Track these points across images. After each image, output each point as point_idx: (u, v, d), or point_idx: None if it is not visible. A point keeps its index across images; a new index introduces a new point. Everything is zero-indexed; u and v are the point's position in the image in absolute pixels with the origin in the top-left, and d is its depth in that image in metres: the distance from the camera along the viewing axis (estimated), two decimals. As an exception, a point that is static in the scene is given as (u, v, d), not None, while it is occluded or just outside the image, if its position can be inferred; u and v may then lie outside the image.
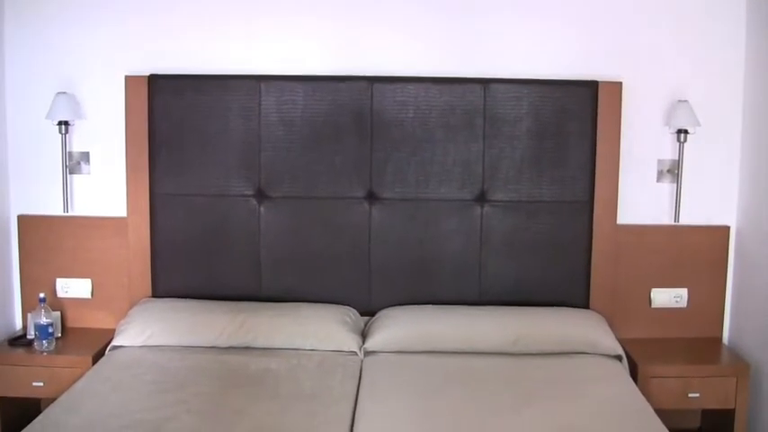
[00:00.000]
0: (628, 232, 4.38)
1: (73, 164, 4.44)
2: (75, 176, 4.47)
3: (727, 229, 4.45)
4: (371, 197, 4.33)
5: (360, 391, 3.59)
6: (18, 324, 4.55)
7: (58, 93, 4.30)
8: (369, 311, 4.36)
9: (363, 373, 3.79)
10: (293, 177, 4.33)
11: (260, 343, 4.01)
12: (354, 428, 3.21)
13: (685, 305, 4.44)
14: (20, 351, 4.19)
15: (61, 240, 4.46)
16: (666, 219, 4.43)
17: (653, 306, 4.45)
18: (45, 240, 4.46)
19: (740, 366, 4.13)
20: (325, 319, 4.13)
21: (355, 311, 4.32)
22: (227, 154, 4.33)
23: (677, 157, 4.34)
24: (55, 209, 4.45)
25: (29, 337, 4.26)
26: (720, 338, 4.48)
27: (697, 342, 4.40)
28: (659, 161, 4.41)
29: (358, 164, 4.31)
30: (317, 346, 4.00)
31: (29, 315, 4.30)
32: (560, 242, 4.34)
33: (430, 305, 4.30)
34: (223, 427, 3.18)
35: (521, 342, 3.98)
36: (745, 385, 4.07)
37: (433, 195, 4.31)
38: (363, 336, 4.14)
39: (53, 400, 3.47)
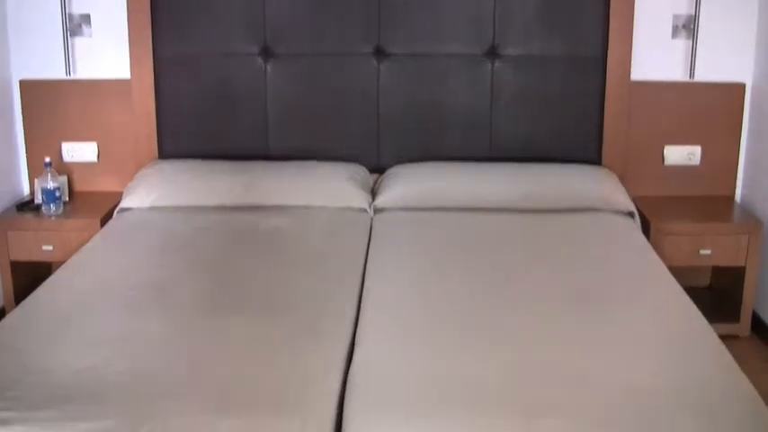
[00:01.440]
0: (641, 89, 4.29)
1: (74, 26, 4.33)
2: (76, 39, 4.37)
3: (743, 86, 4.35)
4: (379, 53, 4.24)
5: (370, 247, 3.58)
6: (25, 189, 4.53)
7: (55, -49, 4.19)
8: (378, 169, 4.32)
9: (373, 230, 3.78)
10: (299, 33, 4.23)
11: (268, 201, 3.96)
12: (365, 285, 3.20)
13: (698, 163, 4.39)
14: (28, 216, 4.19)
15: (65, 104, 4.40)
16: (681, 76, 4.34)
17: (666, 163, 4.40)
18: (48, 105, 4.40)
19: (752, 224, 4.10)
20: (334, 176, 4.10)
21: (364, 169, 4.28)
22: (231, 11, 4.22)
23: (693, 12, 4.23)
24: (57, 73, 4.38)
25: (36, 202, 4.25)
26: (733, 196, 4.44)
27: (709, 200, 4.38)
28: (675, 16, 4.29)
29: (365, 18, 4.21)
30: (327, 203, 3.96)
31: (35, 180, 4.27)
32: (572, 98, 4.27)
33: (440, 162, 4.26)
34: (232, 286, 3.16)
35: (531, 198, 3.94)
36: (756, 243, 4.05)
37: (443, 50, 4.22)
38: (373, 193, 4.11)
39: (63, 263, 3.45)
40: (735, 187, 4.45)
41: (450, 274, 3.26)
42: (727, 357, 2.62)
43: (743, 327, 4.15)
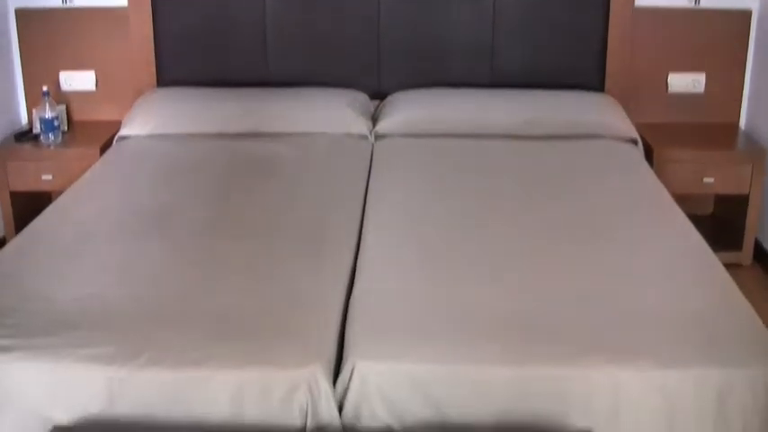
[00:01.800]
0: (646, 15, 4.23)
1: (69, -48, 4.28)
2: (71, -35, 4.31)
3: (749, 12, 4.28)
4: (381, -24, 4.20)
5: (371, 173, 3.56)
6: (23, 119, 4.50)
7: None
8: (379, 95, 4.27)
9: (374, 156, 3.75)
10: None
11: (269, 128, 3.93)
12: (366, 211, 3.19)
13: (702, 90, 4.34)
14: (27, 146, 4.17)
15: (62, 33, 4.34)
16: (686, 2, 4.26)
17: (669, 91, 4.35)
18: (45, 33, 4.35)
19: (756, 152, 4.08)
20: (335, 102, 4.06)
21: (365, 95, 4.24)
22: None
23: (700, -65, 4.16)
24: (53, 0, 4.31)
25: (35, 131, 4.21)
26: (737, 124, 4.40)
27: (714, 127, 4.34)
28: (681, -61, 4.22)
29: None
30: (327, 129, 3.92)
31: (34, 110, 4.23)
32: (575, 24, 4.21)
33: (441, 88, 4.21)
34: (233, 213, 3.14)
35: (533, 124, 3.91)
36: (760, 171, 4.03)
37: (445, -26, 4.17)
38: (373, 119, 4.07)
39: (63, 192, 3.44)
40: (739, 115, 4.40)
41: (451, 201, 3.24)
42: (731, 285, 2.62)
43: (745, 255, 4.14)
